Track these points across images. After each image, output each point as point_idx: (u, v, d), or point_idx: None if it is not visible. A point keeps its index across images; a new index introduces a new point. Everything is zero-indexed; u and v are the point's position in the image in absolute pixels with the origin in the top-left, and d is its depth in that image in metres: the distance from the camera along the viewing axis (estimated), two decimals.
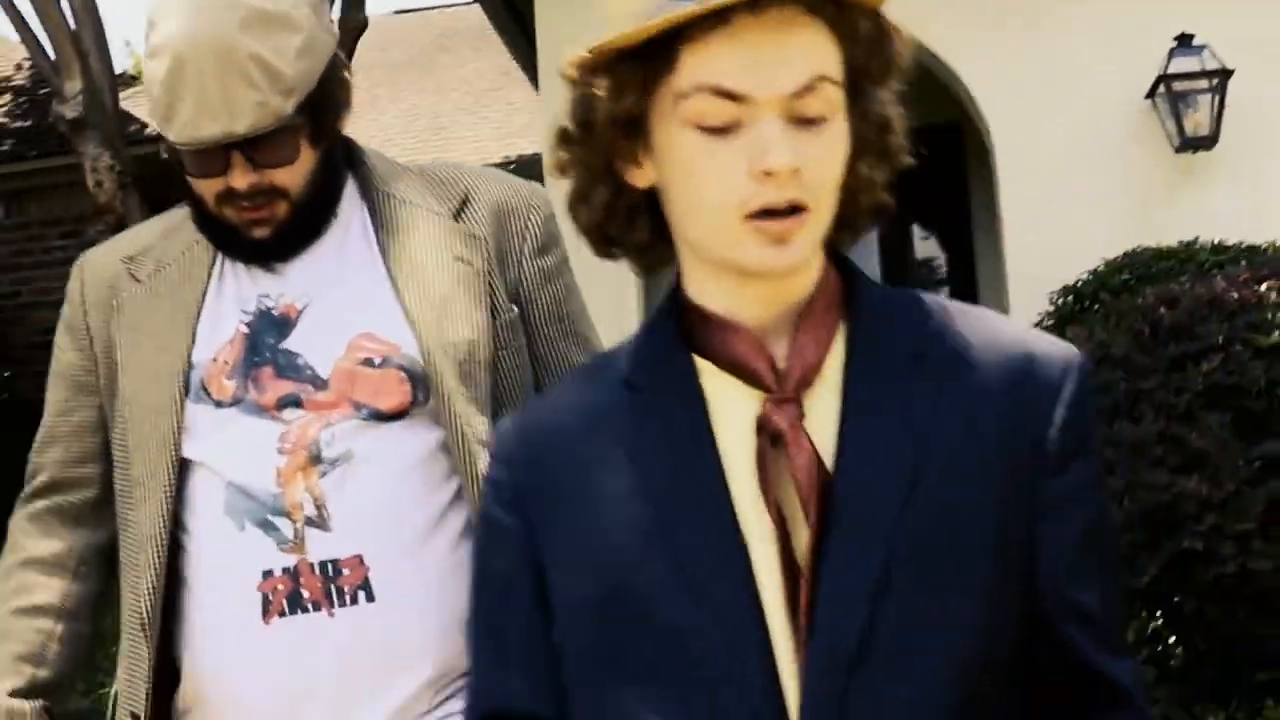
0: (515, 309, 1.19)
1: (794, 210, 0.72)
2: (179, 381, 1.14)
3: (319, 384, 1.12)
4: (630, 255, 0.84)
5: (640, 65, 0.73)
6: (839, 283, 0.81)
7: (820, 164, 0.73)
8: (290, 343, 1.14)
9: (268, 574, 1.06)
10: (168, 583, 1.12)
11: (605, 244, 0.83)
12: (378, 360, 1.11)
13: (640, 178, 0.78)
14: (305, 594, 1.06)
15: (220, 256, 1.18)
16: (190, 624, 1.12)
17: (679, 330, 0.80)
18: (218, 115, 1.04)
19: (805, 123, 0.72)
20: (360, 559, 1.06)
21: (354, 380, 1.11)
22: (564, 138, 0.79)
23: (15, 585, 1.21)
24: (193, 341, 1.15)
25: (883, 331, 0.79)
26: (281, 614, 1.06)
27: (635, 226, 0.81)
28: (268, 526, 1.07)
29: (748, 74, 0.71)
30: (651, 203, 0.79)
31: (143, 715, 1.12)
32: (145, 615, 1.12)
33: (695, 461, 0.76)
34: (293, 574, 1.06)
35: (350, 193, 1.20)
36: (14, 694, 1.16)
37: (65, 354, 1.25)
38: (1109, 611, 0.77)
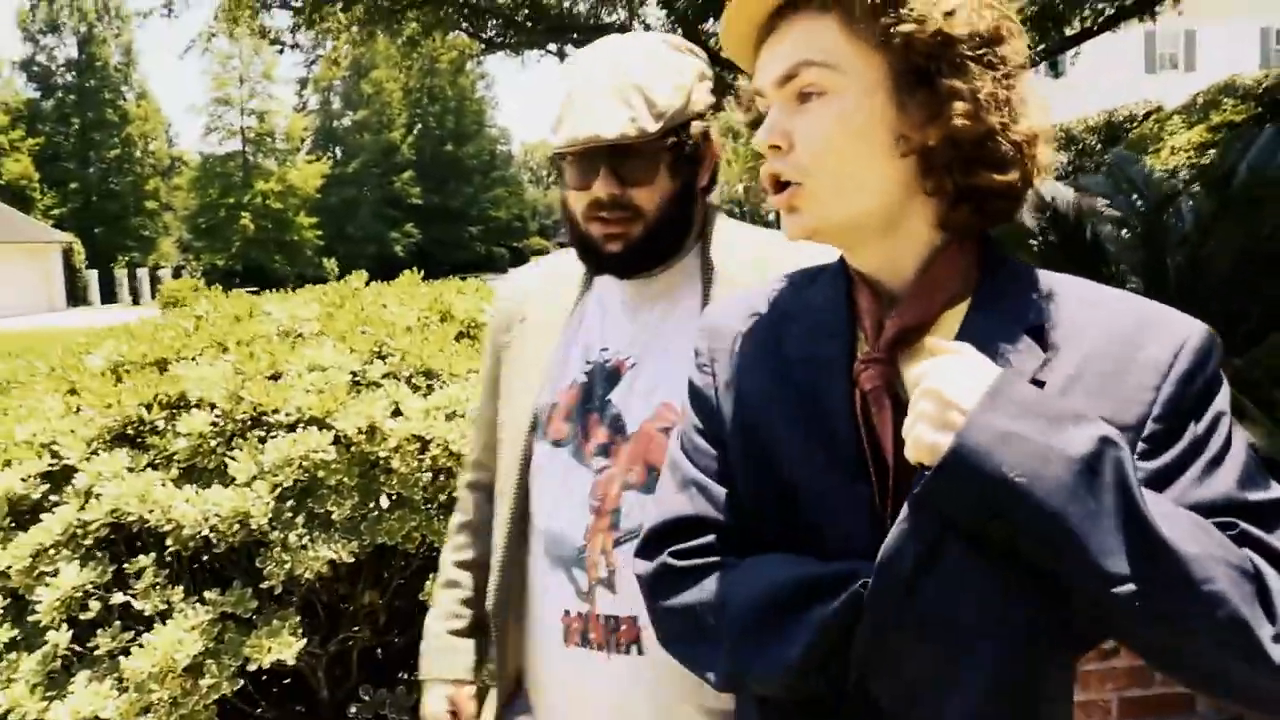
0: None
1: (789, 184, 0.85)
2: (529, 418, 1.34)
3: (624, 437, 1.27)
4: None
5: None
6: (971, 254, 0.86)
7: (809, 135, 0.84)
8: (614, 395, 1.29)
9: (566, 612, 1.28)
10: (515, 579, 1.37)
11: None
12: (671, 430, 1.20)
13: None
14: (592, 635, 1.26)
15: (574, 312, 1.37)
16: (526, 618, 1.38)
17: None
18: (591, 122, 1.20)
19: (803, 98, 0.84)
20: (634, 620, 1.23)
21: (650, 443, 1.25)
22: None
23: (454, 543, 1.54)
24: (543, 384, 1.35)
25: (1004, 302, 0.84)
26: (575, 644, 1.27)
27: None
28: (569, 575, 1.28)
29: (759, 71, 0.88)
30: None
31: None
32: (494, 607, 1.38)
33: (830, 387, 0.88)
34: (584, 618, 1.26)
35: (693, 258, 1.33)
36: (455, 634, 1.49)
37: (486, 360, 1.49)
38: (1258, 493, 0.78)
